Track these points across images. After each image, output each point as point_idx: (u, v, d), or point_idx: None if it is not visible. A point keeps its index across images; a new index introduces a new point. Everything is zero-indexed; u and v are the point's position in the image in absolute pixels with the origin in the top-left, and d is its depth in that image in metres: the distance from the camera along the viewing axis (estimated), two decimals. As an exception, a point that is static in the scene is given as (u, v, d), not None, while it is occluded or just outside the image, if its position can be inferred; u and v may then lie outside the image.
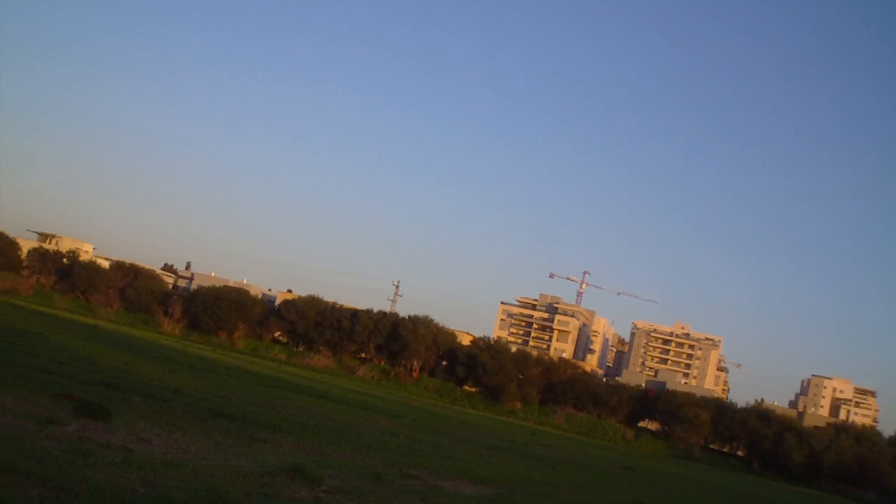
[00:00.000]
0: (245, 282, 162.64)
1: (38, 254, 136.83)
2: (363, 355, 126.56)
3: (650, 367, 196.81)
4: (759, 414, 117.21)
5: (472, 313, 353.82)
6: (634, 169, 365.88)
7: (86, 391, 23.00)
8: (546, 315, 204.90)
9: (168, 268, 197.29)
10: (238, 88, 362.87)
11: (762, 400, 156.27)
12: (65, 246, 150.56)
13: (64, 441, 14.34)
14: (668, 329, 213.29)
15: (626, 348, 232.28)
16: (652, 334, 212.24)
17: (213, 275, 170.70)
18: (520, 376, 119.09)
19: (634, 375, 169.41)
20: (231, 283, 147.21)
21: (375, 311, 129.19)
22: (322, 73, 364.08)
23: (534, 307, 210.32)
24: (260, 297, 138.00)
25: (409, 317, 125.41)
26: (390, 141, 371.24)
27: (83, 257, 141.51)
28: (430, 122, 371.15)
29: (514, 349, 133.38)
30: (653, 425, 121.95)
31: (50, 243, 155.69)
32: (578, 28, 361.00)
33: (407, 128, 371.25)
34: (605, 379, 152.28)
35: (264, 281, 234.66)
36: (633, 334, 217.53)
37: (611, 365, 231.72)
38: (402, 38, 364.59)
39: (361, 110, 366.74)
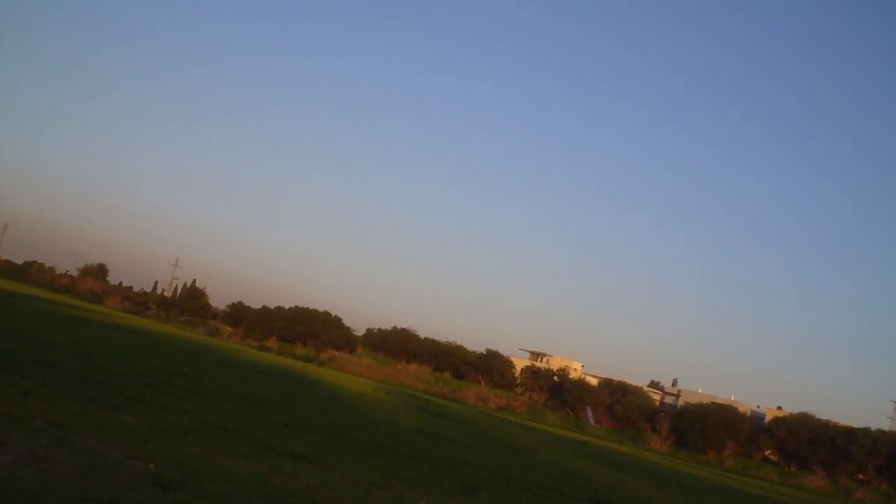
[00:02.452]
0: (732, 398, 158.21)
1: (531, 372, 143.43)
2: (860, 477, 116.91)
3: None
4: None
5: None
6: None
7: (577, 508, 22.74)
8: None
9: (654, 384, 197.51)
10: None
11: None
12: (555, 364, 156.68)
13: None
14: None
15: None
16: None
17: (699, 391, 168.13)
18: None
19: None
20: (718, 400, 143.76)
21: (873, 429, 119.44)
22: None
23: None
24: (748, 414, 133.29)
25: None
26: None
27: (573, 375, 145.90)
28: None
29: None
30: None
31: (541, 361, 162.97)
32: None
33: None
34: None
35: (752, 397, 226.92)
36: None
37: None
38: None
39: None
